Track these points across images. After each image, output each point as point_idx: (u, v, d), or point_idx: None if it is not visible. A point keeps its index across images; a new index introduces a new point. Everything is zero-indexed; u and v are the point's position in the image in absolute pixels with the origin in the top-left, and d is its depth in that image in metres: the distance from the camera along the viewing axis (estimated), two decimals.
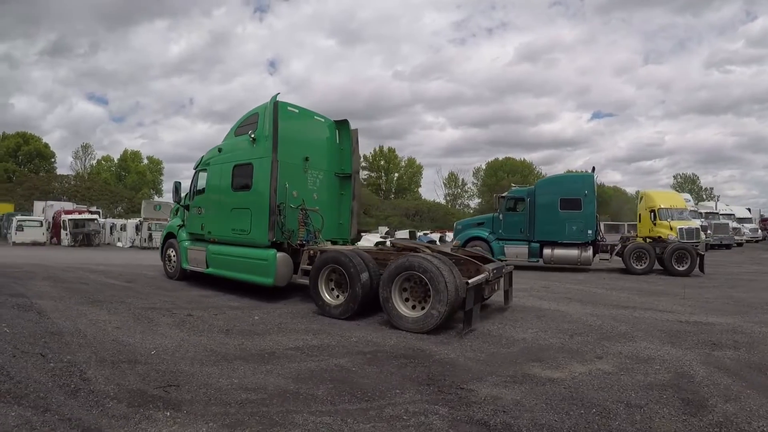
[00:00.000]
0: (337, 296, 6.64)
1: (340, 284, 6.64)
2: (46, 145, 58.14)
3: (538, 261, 14.12)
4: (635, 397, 3.50)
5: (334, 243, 8.65)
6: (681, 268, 12.51)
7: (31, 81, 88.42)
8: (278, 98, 7.97)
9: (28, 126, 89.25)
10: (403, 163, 73.73)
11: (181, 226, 9.90)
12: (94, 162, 65.06)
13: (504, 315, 6.74)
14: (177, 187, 10.13)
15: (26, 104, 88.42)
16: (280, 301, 7.62)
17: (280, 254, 7.55)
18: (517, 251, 14.36)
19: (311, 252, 7.53)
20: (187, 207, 9.67)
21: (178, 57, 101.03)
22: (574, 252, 13.36)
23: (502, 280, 6.94)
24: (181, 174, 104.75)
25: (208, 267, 8.78)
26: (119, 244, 25.63)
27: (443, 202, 71.57)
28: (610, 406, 3.32)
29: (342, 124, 9.36)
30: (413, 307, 5.83)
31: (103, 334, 5.15)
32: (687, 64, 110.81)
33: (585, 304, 7.83)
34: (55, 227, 25.92)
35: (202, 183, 9.27)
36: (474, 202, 71.43)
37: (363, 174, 72.33)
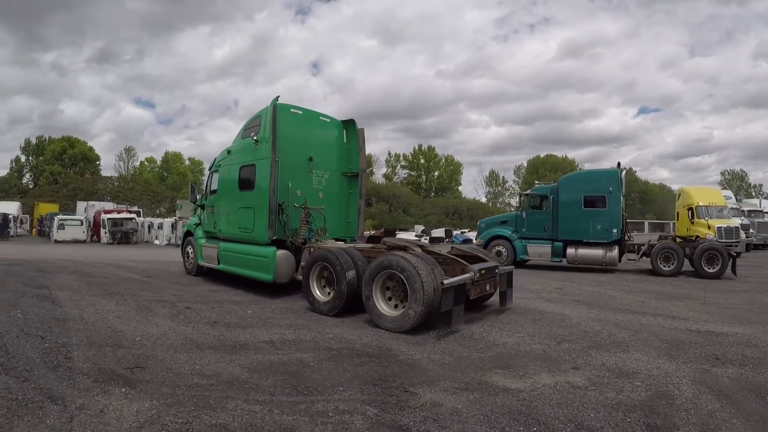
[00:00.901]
0: (329, 293, 6.75)
1: (330, 282, 6.75)
2: (91, 149, 60.92)
3: (561, 261, 13.53)
4: (592, 418, 3.14)
5: (339, 241, 8.76)
6: (711, 270, 11.47)
7: (80, 87, 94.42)
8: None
9: (77, 130, 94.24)
10: (443, 162, 73.14)
11: (198, 225, 10.45)
12: (137, 164, 68.53)
13: (499, 317, 6.53)
14: (193, 187, 10.71)
15: (75, 109, 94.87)
16: (281, 297, 7.85)
17: (281, 252, 7.76)
18: (540, 250, 13.85)
19: (311, 250, 7.69)
20: (202, 206, 10.20)
21: (221, 61, 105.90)
22: (598, 252, 12.66)
23: (496, 280, 6.73)
24: None
25: (219, 263, 9.21)
26: (156, 242, 27.06)
27: (484, 200, 70.41)
28: (557, 426, 3.01)
29: (349, 124, 9.46)
30: (396, 306, 5.81)
31: (103, 322, 5.63)
32: (734, 56, 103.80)
33: (592, 307, 7.40)
34: (95, 226, 27.34)
35: (214, 183, 9.74)
36: (515, 200, 69.55)
37: (403, 173, 73.40)
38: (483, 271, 6.14)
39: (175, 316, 6.11)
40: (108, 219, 26.09)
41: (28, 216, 36.47)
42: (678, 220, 18.41)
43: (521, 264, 14.59)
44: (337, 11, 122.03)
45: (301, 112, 8.81)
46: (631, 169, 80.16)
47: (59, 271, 9.96)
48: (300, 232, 8.15)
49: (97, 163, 60.93)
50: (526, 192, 14.91)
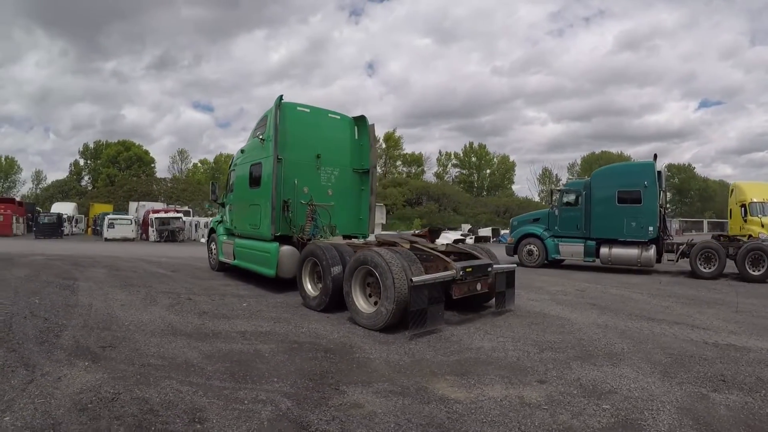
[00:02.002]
0: (320, 288, 6.80)
1: (321, 277, 6.80)
2: (146, 152, 62.49)
3: (594, 261, 12.60)
4: None
5: (348, 238, 8.79)
6: (756, 273, 10.02)
7: (140, 93, 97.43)
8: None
9: (138, 134, 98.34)
10: (495, 160, 72.07)
11: (219, 222, 11.01)
12: (190, 165, 70.72)
13: (493, 319, 6.17)
14: (213, 186, 11.27)
15: (136, 114, 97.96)
16: (285, 292, 7.97)
17: (285, 247, 7.96)
18: (572, 249, 13.01)
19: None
20: (222, 204, 10.72)
21: (278, 64, 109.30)
22: (633, 251, 11.61)
23: (489, 280, 6.30)
24: None
25: (234, 259, 9.62)
26: (202, 239, 28.28)
27: (537, 199, 67.66)
28: None
29: (360, 120, 9.47)
30: (375, 303, 5.73)
31: (106, 309, 6.17)
32: None
33: (605, 312, 6.77)
34: (144, 225, 28.93)
35: (232, 182, 10.20)
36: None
37: (455, 171, 73.14)
38: (469, 269, 5.82)
39: (173, 306, 6.51)
40: (155, 218, 27.76)
41: (83, 216, 38.74)
42: (731, 217, 16.44)
43: (557, 264, 13.85)
44: (390, 11, 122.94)
45: (308, 110, 8.95)
46: (690, 165, 76.46)
47: (94, 265, 10.97)
48: (305, 228, 8.29)
49: (152, 165, 63.58)
50: (558, 188, 14.07)
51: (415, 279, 5.06)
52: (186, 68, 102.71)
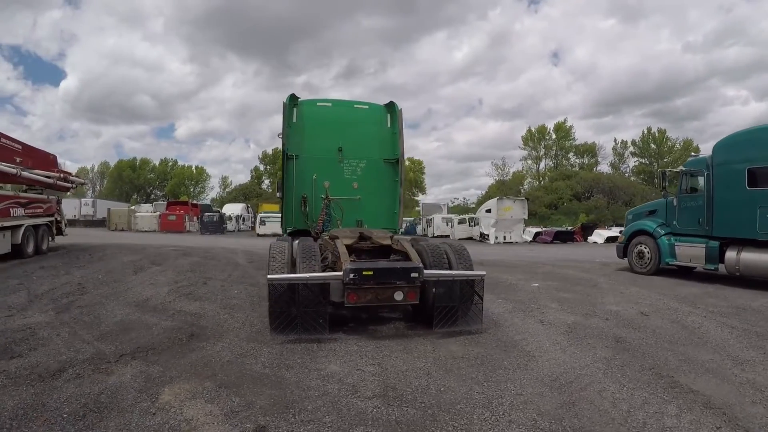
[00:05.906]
0: None
1: None
2: None
3: (716, 268, 9.00)
4: None
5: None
6: None
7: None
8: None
9: None
10: (678, 146, 61.21)
11: None
12: None
13: (423, 341, 4.90)
14: (279, 184, 12.67)
15: None
16: None
17: (295, 242, 8.57)
18: (690, 252, 9.53)
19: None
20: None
21: (462, 62, 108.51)
22: None
23: (419, 289, 5.02)
24: (475, 172, 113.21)
25: None
26: None
27: None
28: None
29: (390, 107, 9.15)
30: None
31: (134, 285, 8.01)
32: None
33: (613, 358, 4.38)
34: None
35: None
36: None
37: (633, 161, 64.81)
38: (368, 273, 4.82)
39: (181, 287, 7.91)
40: None
41: (250, 215, 42.65)
42: None
43: (686, 271, 10.39)
44: None
45: (330, 104, 9.23)
46: None
47: (195, 254, 13.45)
48: (319, 222, 8.67)
49: None
50: (677, 168, 10.55)
51: (270, 276, 4.80)
52: (372, 75, 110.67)
